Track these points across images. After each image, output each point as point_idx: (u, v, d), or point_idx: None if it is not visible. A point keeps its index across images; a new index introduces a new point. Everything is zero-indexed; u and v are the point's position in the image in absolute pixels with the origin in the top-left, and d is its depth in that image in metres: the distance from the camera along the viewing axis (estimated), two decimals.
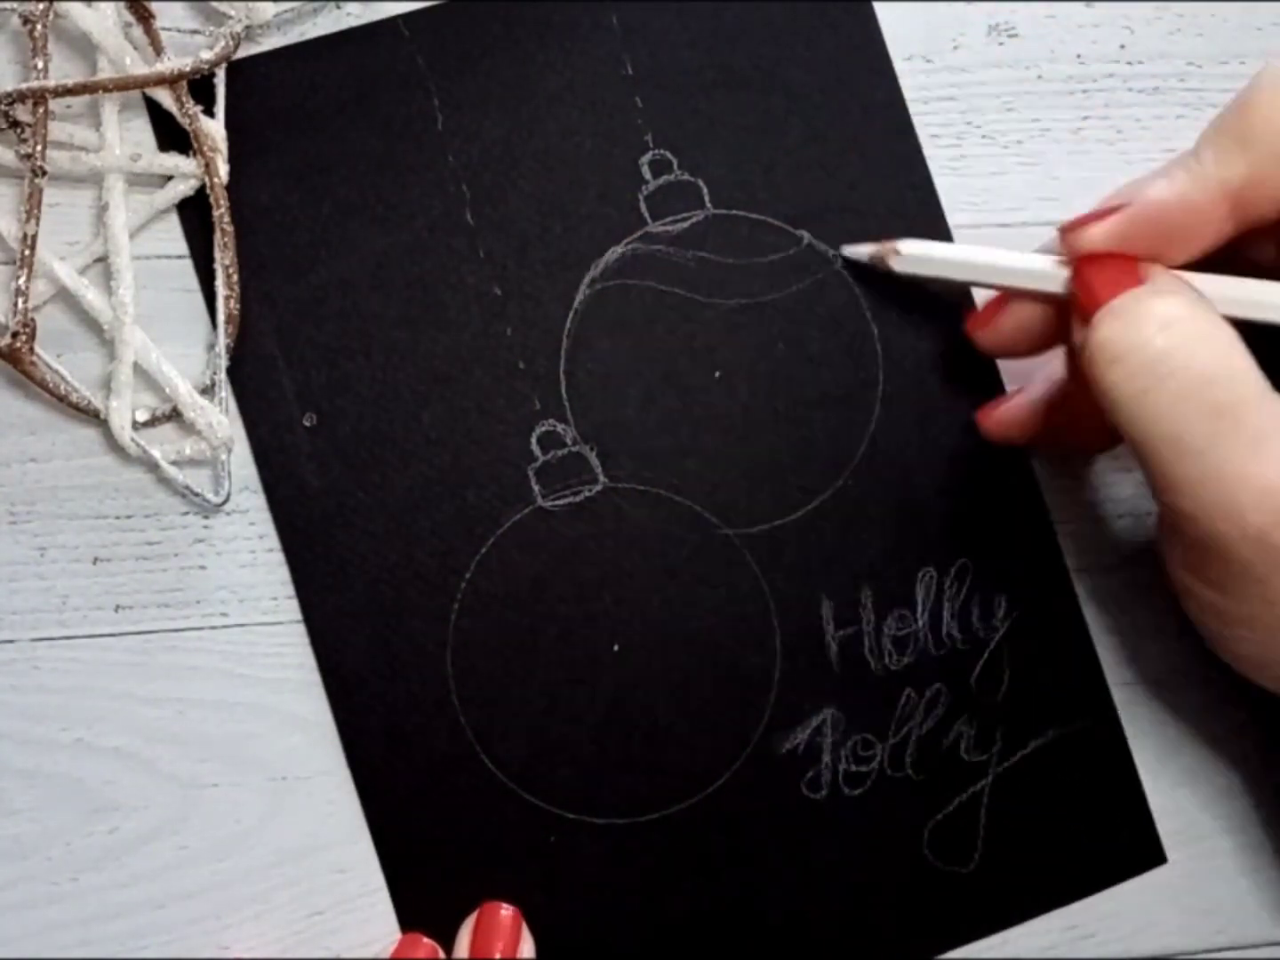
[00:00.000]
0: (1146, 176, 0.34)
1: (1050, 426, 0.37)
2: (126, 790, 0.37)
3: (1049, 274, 0.35)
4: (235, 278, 0.38)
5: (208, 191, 0.37)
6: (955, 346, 0.40)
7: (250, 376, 0.38)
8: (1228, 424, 0.29)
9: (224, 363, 0.37)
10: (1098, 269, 0.32)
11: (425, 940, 0.36)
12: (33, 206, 0.36)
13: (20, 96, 0.36)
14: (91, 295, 0.37)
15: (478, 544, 0.38)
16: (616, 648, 0.38)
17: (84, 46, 0.37)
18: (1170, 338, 0.30)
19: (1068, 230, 0.33)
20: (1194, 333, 0.30)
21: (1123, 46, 0.42)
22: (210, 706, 0.37)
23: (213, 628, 0.37)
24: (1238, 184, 0.30)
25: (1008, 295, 0.37)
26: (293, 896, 0.37)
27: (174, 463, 0.37)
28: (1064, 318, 0.35)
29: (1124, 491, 0.40)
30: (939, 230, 0.40)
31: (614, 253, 0.39)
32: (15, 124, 0.36)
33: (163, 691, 0.37)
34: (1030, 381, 0.38)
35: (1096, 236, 0.32)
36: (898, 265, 0.38)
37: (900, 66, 0.41)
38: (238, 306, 0.38)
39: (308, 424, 0.38)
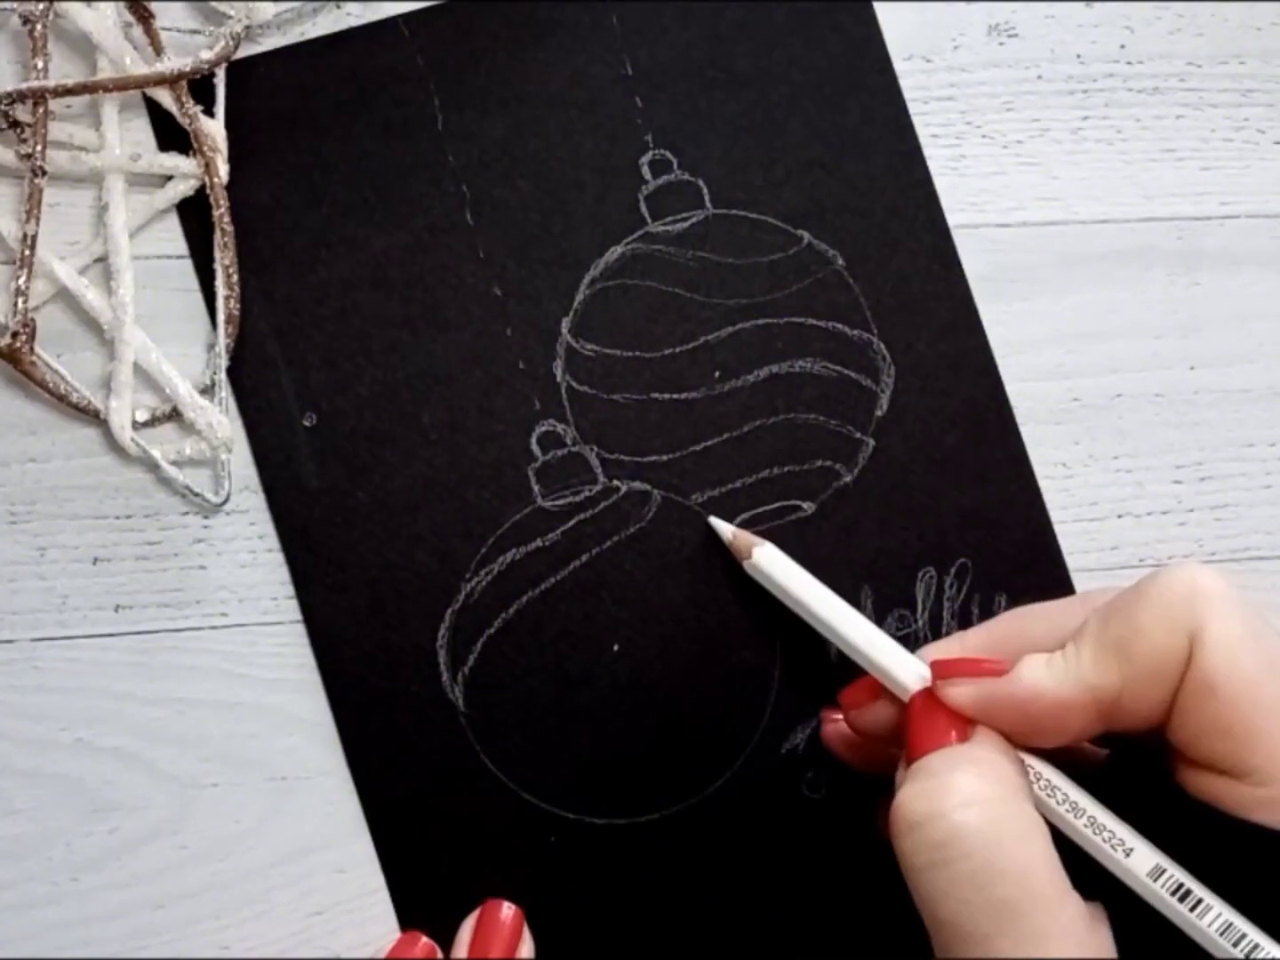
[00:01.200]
0: (1036, 617, 0.33)
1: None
2: (126, 790, 0.37)
3: (895, 679, 0.33)
4: (235, 278, 0.38)
5: (208, 191, 0.37)
6: (955, 346, 0.40)
7: (250, 376, 0.38)
8: (1009, 921, 0.27)
9: (224, 363, 0.37)
10: (925, 713, 0.31)
11: (423, 939, 0.36)
12: (33, 206, 0.36)
13: (20, 96, 0.36)
14: (91, 295, 0.37)
15: (478, 544, 0.38)
16: (616, 648, 0.38)
17: (84, 46, 0.37)
18: (968, 818, 0.28)
19: (939, 674, 0.31)
20: (994, 818, 0.28)
21: (1123, 46, 0.42)
22: (210, 706, 0.37)
23: (213, 628, 0.37)
24: (1110, 695, 0.29)
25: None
26: (293, 896, 0.37)
27: (174, 463, 0.37)
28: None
29: (1124, 491, 0.40)
30: (939, 230, 0.40)
31: (614, 253, 0.39)
32: (15, 124, 0.36)
33: (163, 691, 0.37)
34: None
35: (966, 698, 0.31)
36: (747, 567, 0.36)
37: (900, 66, 0.41)
38: (238, 306, 0.38)
39: (308, 424, 0.38)
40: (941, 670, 0.31)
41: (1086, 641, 0.30)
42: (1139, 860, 0.29)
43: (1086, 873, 0.29)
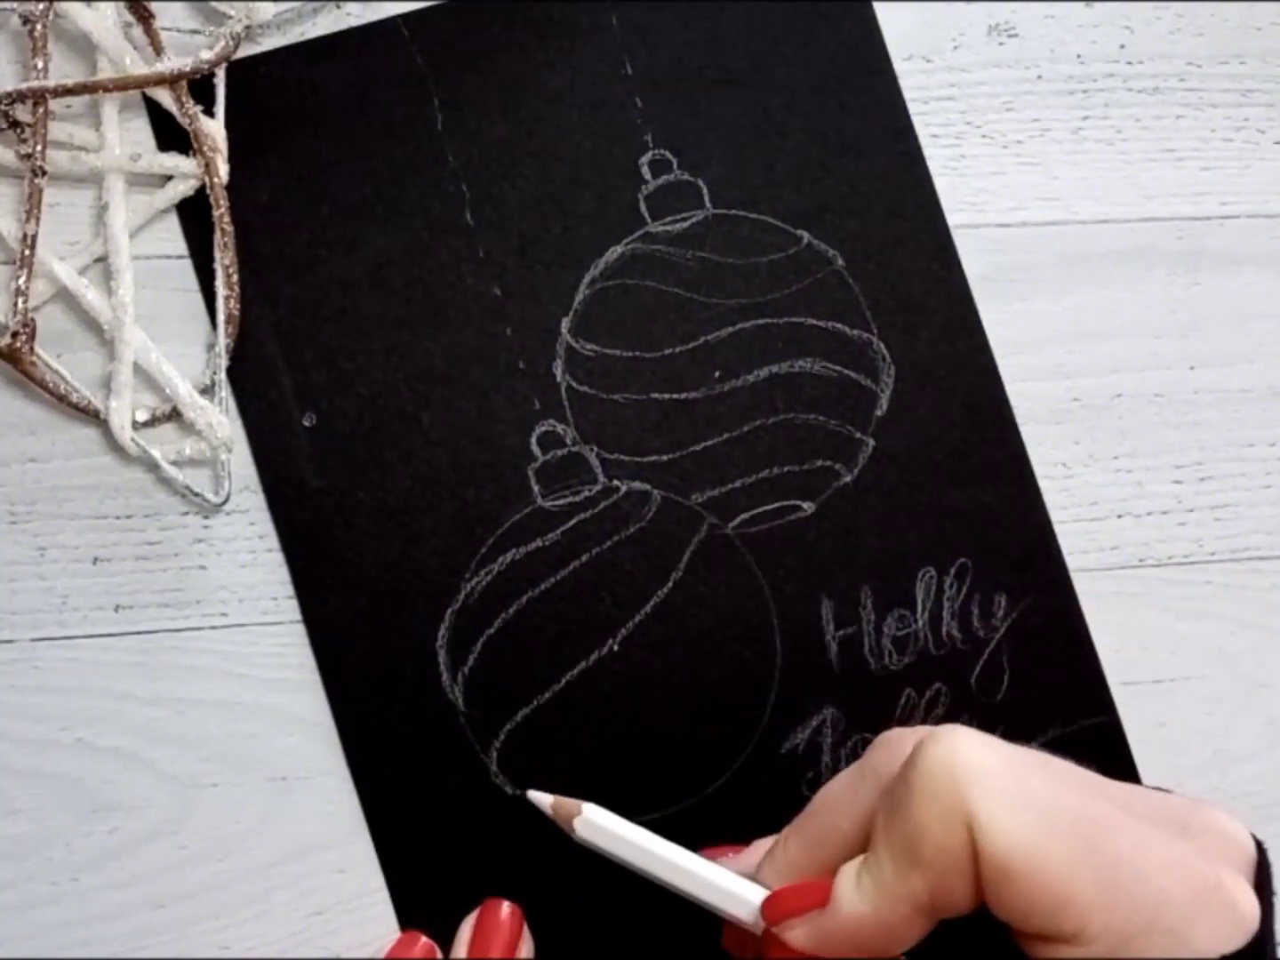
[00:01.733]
0: (834, 801, 0.31)
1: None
2: (126, 790, 0.37)
3: (738, 918, 0.32)
4: (235, 278, 0.38)
5: (208, 191, 0.37)
6: (955, 346, 0.40)
7: (250, 376, 0.38)
8: None
9: (224, 363, 0.37)
10: (779, 946, 0.30)
11: (423, 939, 0.36)
12: (33, 206, 0.36)
13: (20, 96, 0.36)
14: (91, 295, 0.37)
15: (478, 544, 0.38)
16: (616, 648, 0.38)
17: (84, 46, 0.37)
18: None
19: (772, 920, 0.31)
20: None
21: (1123, 46, 0.42)
22: (210, 706, 0.37)
23: (213, 628, 0.37)
24: (922, 899, 0.28)
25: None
26: (293, 896, 0.37)
27: (174, 463, 0.37)
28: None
29: (1124, 491, 0.40)
30: (939, 230, 0.40)
31: (614, 253, 0.39)
32: (15, 124, 0.36)
33: (163, 691, 0.37)
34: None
35: (800, 940, 0.30)
36: (580, 829, 0.33)
37: (900, 66, 0.41)
38: (238, 306, 0.38)
39: (308, 424, 0.38)
40: (772, 915, 0.31)
41: (881, 851, 0.29)
42: None
43: None
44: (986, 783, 0.28)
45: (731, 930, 0.34)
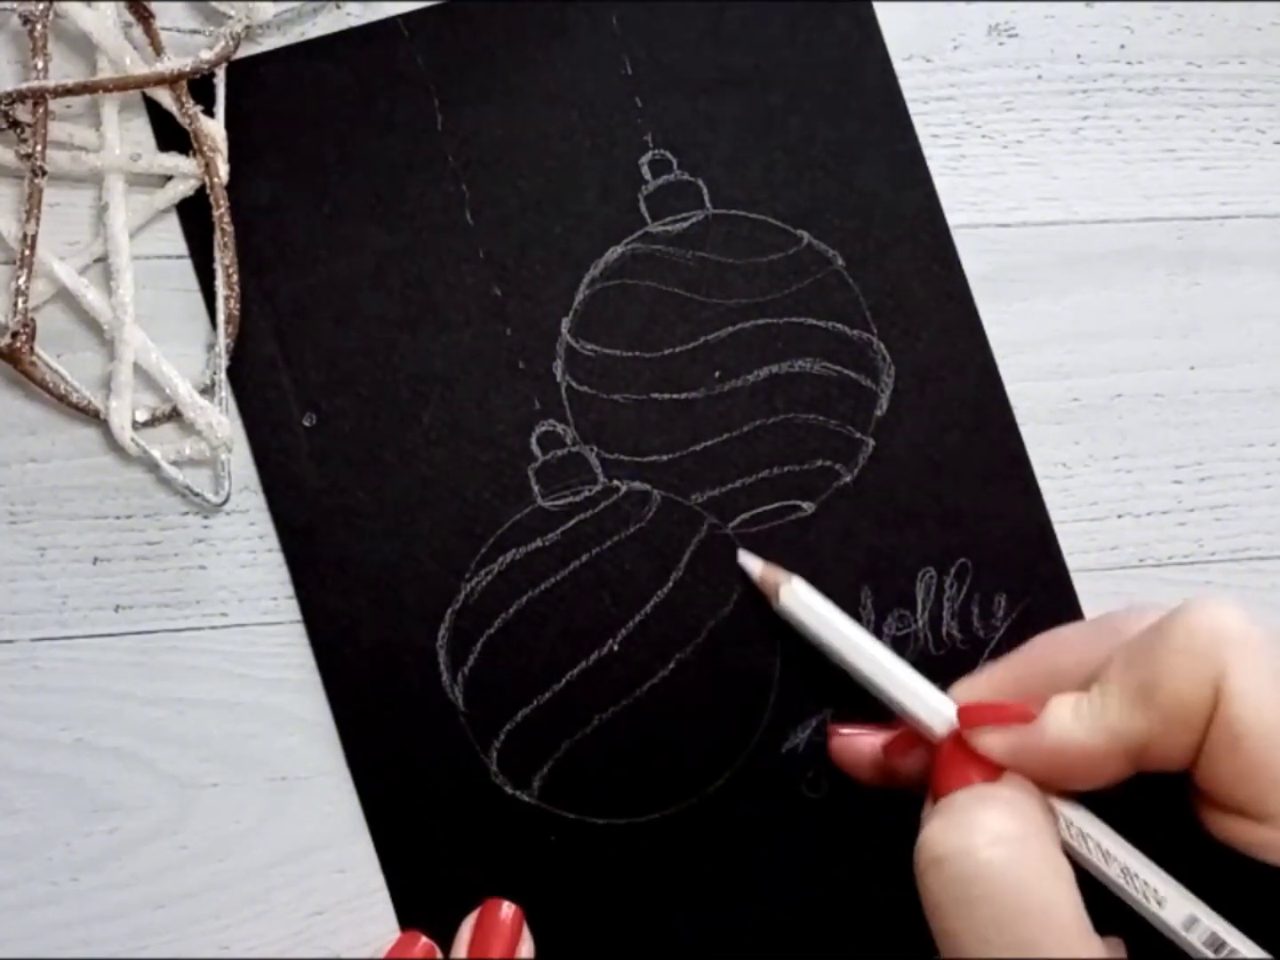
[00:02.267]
0: (1062, 646, 0.32)
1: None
2: (126, 790, 0.37)
3: (924, 724, 0.33)
4: (235, 278, 0.38)
5: (208, 191, 0.37)
6: (955, 346, 0.40)
7: (250, 376, 0.38)
8: (1028, 955, 0.27)
9: (224, 363, 0.37)
10: (954, 753, 0.31)
11: (423, 939, 0.36)
12: (33, 206, 0.36)
13: (20, 96, 0.36)
14: (91, 295, 0.37)
15: (478, 544, 0.38)
16: (616, 648, 0.38)
17: (84, 46, 0.38)
18: (994, 855, 0.28)
19: (966, 723, 0.31)
20: (1020, 857, 0.28)
21: (1123, 46, 0.42)
22: (210, 706, 0.37)
23: (213, 628, 0.37)
24: (1138, 742, 0.29)
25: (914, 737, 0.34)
26: (293, 896, 0.37)
27: (174, 463, 0.37)
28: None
29: (1124, 491, 0.40)
30: (939, 230, 0.40)
31: (614, 253, 0.39)
32: (15, 124, 0.36)
33: (163, 691, 0.37)
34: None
35: (996, 748, 0.31)
36: (783, 597, 0.35)
37: (900, 66, 0.41)
38: (238, 306, 0.38)
39: (308, 424, 0.38)
40: (969, 718, 0.31)
41: (1112, 687, 0.30)
42: (1172, 911, 0.29)
43: (1110, 907, 0.29)
44: (1248, 652, 0.28)
45: (847, 745, 0.35)
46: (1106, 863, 0.30)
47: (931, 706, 0.33)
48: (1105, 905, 0.29)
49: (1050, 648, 0.33)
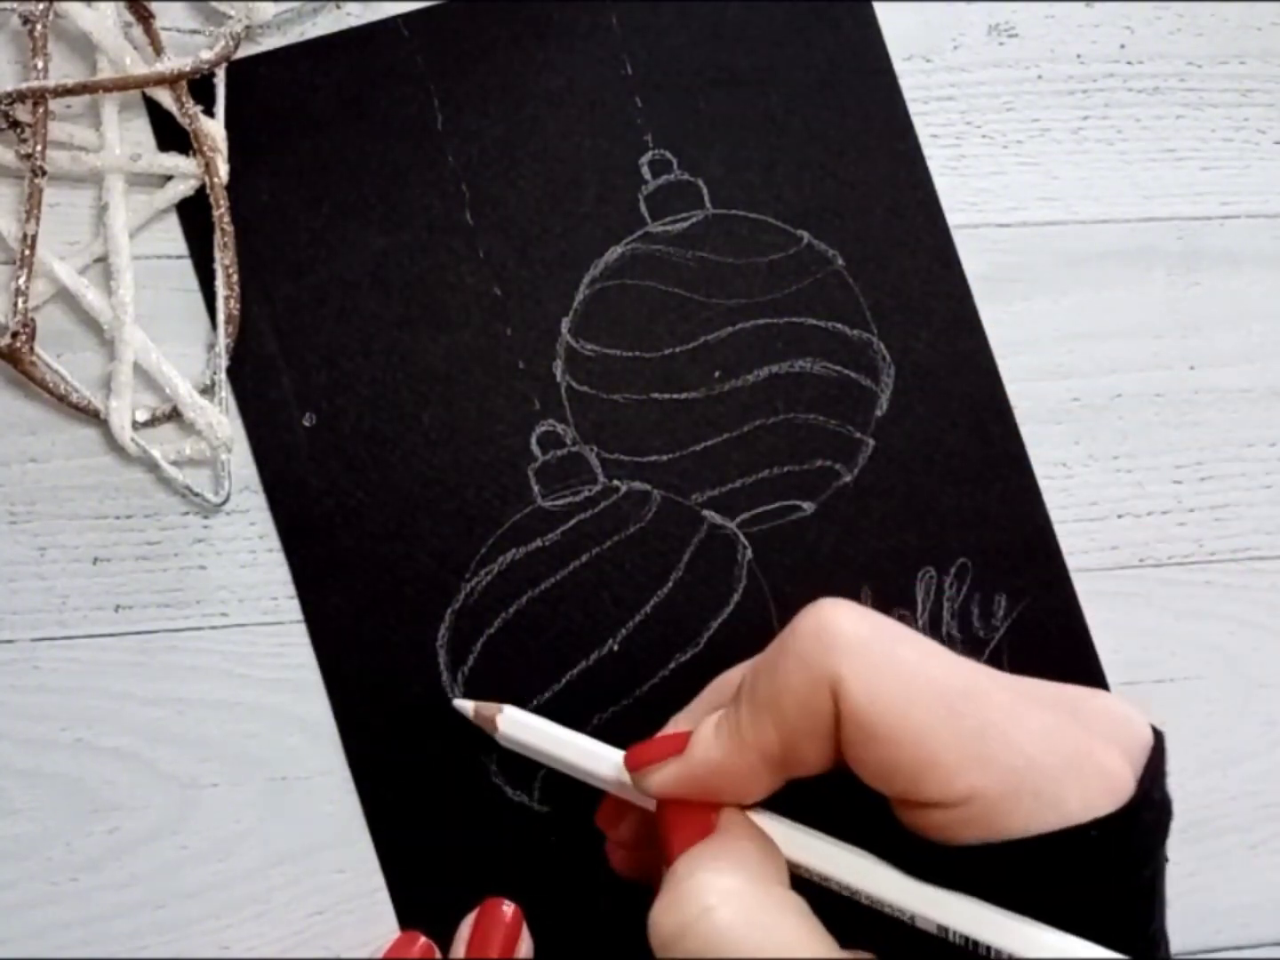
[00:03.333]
0: (728, 682, 0.33)
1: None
2: (126, 790, 0.37)
3: (608, 780, 0.33)
4: (235, 278, 0.38)
5: (208, 191, 0.37)
6: (955, 346, 0.40)
7: (250, 376, 0.38)
8: None
9: (224, 363, 0.37)
10: (671, 816, 0.31)
11: (422, 939, 0.36)
12: (33, 206, 0.36)
13: (20, 96, 0.36)
14: (91, 295, 0.37)
15: (478, 544, 0.38)
16: (616, 648, 0.38)
17: (84, 46, 0.38)
18: (713, 923, 0.28)
19: (630, 767, 0.31)
20: (740, 911, 0.28)
21: (1123, 46, 0.42)
22: (210, 706, 0.37)
23: (213, 628, 0.37)
24: (773, 752, 0.29)
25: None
26: (293, 896, 0.37)
27: (174, 463, 0.37)
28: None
29: (1124, 491, 0.40)
30: (939, 230, 0.40)
31: (614, 253, 0.39)
32: (15, 124, 0.36)
33: (163, 691, 0.37)
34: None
35: (655, 785, 0.31)
36: (503, 727, 0.35)
37: (900, 66, 0.41)
38: (238, 306, 0.38)
39: (308, 424, 0.38)
40: (631, 761, 0.31)
41: (742, 702, 0.30)
42: (923, 923, 0.29)
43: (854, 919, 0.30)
44: (854, 647, 0.28)
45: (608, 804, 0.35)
46: (852, 896, 0.30)
47: (609, 760, 0.33)
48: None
49: (718, 687, 0.33)
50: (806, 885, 0.30)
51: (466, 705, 0.36)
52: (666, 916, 0.29)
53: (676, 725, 0.33)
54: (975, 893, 0.28)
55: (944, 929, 0.29)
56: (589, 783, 0.34)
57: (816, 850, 0.30)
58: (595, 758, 0.33)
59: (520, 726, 0.34)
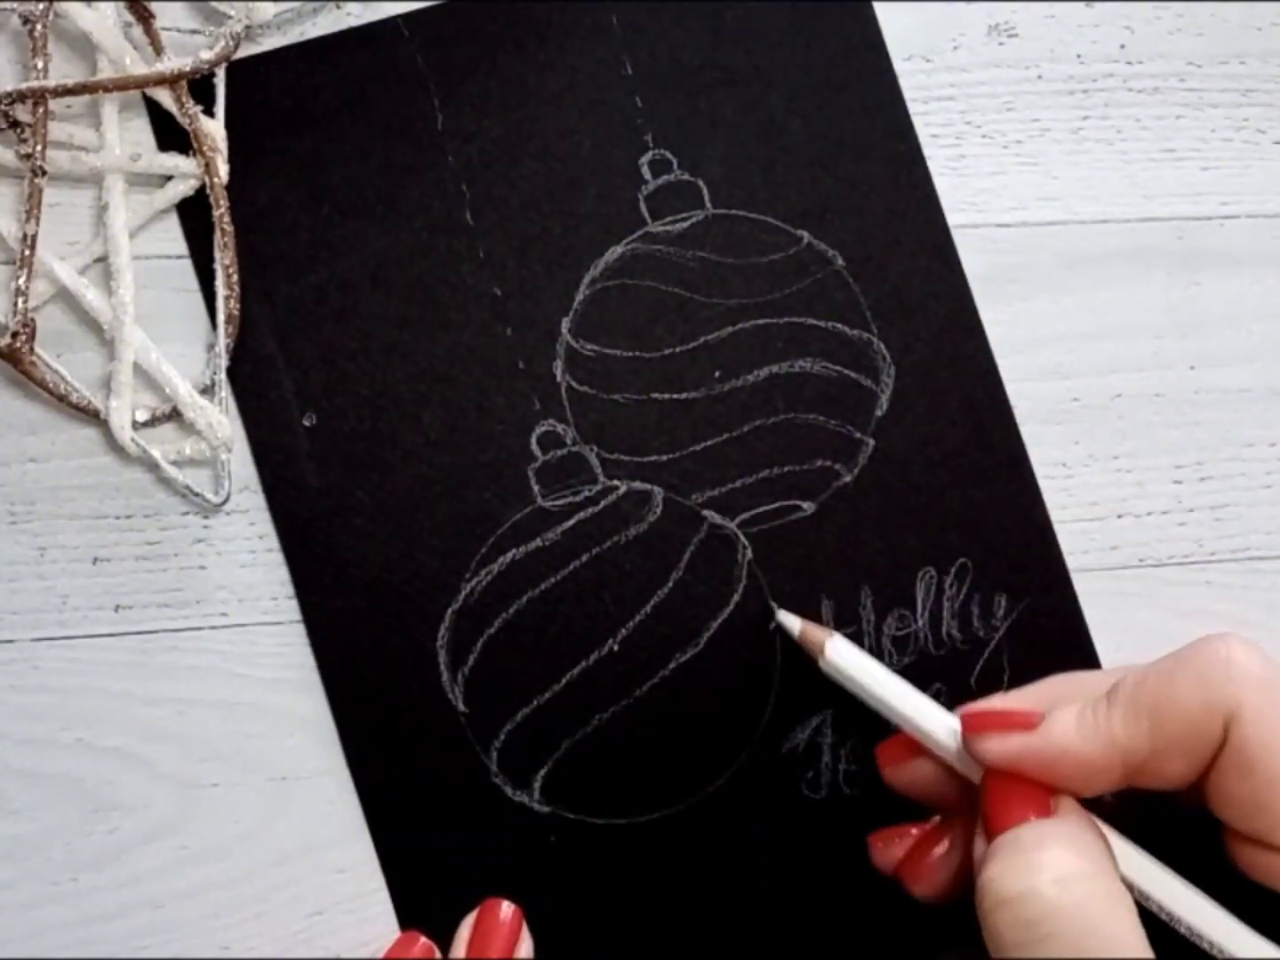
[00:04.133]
0: (1077, 683, 0.33)
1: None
2: (126, 790, 0.37)
3: (964, 756, 0.33)
4: (235, 278, 0.38)
5: (208, 191, 0.37)
6: (955, 346, 0.40)
7: (250, 376, 0.38)
8: None
9: (224, 363, 0.37)
10: (1003, 787, 0.31)
11: (422, 939, 0.36)
12: (33, 206, 0.36)
13: (20, 96, 0.36)
14: (91, 295, 0.37)
15: (478, 544, 0.38)
16: (616, 648, 0.38)
17: (84, 46, 0.38)
18: (1060, 895, 0.28)
19: (969, 728, 0.32)
20: (1085, 894, 0.29)
21: (1123, 46, 0.42)
22: (210, 706, 0.37)
23: (213, 628, 0.37)
24: (1138, 757, 0.30)
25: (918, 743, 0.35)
26: (293, 896, 0.37)
27: (174, 463, 0.37)
28: (970, 790, 0.33)
29: (1124, 491, 0.40)
30: (939, 230, 0.40)
31: (614, 253, 0.39)
32: (15, 124, 0.36)
33: (163, 691, 0.37)
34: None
35: (994, 752, 0.31)
36: (823, 664, 0.36)
37: (900, 66, 0.41)
38: (238, 306, 0.38)
39: (308, 424, 0.38)
40: (971, 724, 0.32)
41: (1119, 700, 0.30)
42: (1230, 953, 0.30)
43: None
44: (1261, 686, 0.29)
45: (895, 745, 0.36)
46: (1172, 923, 0.31)
47: (940, 721, 0.34)
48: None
49: (1063, 684, 0.34)
50: None
51: (793, 621, 0.36)
52: (1011, 879, 0.29)
53: (1004, 702, 0.33)
54: None
55: None
56: (902, 726, 0.34)
57: (1141, 866, 0.31)
58: (918, 708, 0.34)
59: (846, 660, 0.35)
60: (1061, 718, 0.31)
